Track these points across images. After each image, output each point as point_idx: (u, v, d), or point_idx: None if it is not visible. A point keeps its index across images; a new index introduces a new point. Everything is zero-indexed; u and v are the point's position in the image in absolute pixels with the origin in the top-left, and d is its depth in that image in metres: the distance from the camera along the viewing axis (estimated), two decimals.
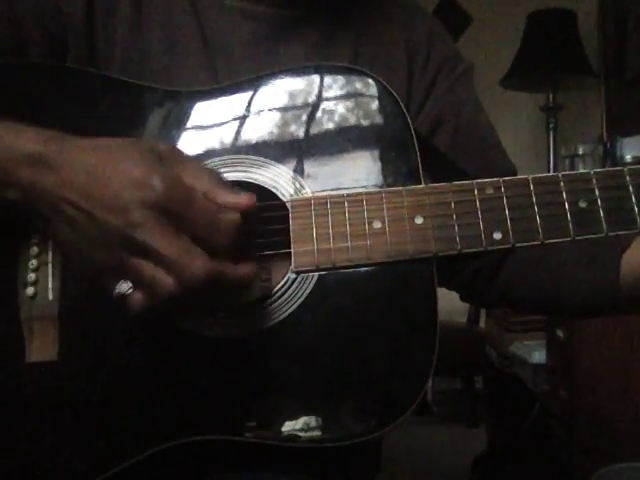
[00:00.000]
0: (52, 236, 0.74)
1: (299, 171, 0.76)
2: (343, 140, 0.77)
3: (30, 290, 0.74)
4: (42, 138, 0.68)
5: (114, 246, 0.65)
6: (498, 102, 3.21)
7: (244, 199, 0.68)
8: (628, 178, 0.71)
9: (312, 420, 0.71)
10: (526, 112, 3.57)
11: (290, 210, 0.73)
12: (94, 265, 0.68)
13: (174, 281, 0.64)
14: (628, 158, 2.50)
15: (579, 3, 3.31)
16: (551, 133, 3.20)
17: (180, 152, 0.71)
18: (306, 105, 0.78)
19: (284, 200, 0.74)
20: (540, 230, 0.70)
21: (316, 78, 0.79)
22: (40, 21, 0.83)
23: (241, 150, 0.77)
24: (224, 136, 0.78)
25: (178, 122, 0.79)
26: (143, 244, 0.63)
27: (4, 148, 0.68)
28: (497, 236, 0.71)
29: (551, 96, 3.20)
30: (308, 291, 0.72)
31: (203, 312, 0.72)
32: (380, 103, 0.78)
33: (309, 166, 0.76)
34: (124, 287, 0.66)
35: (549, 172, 3.10)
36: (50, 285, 0.74)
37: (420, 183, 0.74)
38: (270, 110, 0.78)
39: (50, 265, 0.75)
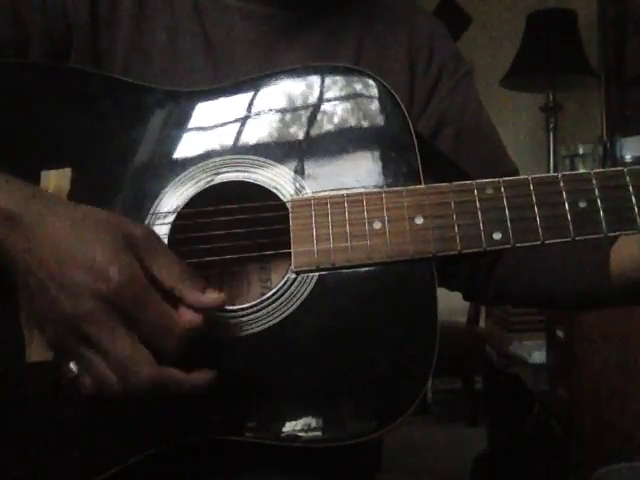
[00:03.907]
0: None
1: (299, 171, 0.76)
2: (344, 140, 0.77)
3: None
4: (22, 196, 0.66)
5: (63, 330, 0.63)
6: (498, 102, 3.21)
7: (210, 299, 0.66)
8: (628, 178, 0.71)
9: (312, 420, 0.70)
10: (526, 112, 3.57)
11: (290, 210, 0.73)
12: (47, 338, 0.66)
13: (118, 382, 0.62)
14: (628, 158, 2.51)
15: (579, 3, 3.31)
16: (551, 133, 3.21)
17: (157, 239, 0.68)
18: (307, 105, 0.78)
19: (284, 200, 0.74)
20: (540, 230, 0.70)
21: (317, 79, 0.79)
22: (44, 20, 0.83)
23: (242, 150, 0.77)
24: (225, 136, 0.78)
25: (179, 122, 0.79)
26: (90, 337, 0.62)
27: None
28: (497, 236, 0.71)
29: (551, 96, 3.20)
30: (308, 291, 0.72)
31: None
32: (381, 103, 0.78)
33: (310, 166, 0.76)
34: (72, 370, 0.65)
35: (549, 172, 3.11)
36: None
37: (420, 183, 0.74)
38: (271, 110, 0.78)
39: None
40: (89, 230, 0.64)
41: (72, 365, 0.65)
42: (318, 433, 0.70)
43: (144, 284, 0.63)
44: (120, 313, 0.62)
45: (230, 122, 0.79)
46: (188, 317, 0.64)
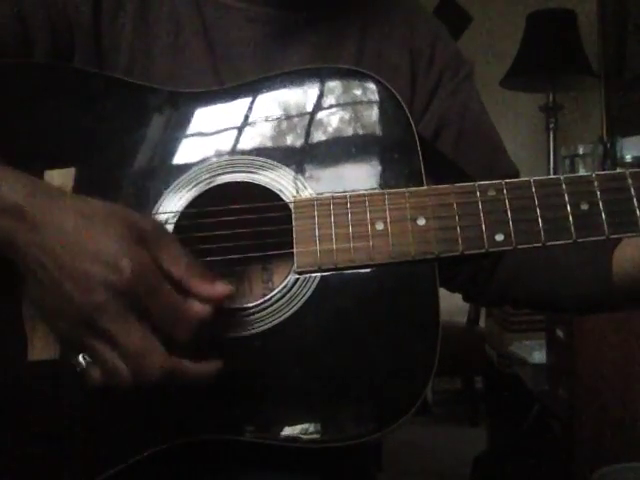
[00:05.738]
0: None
1: (302, 172, 0.76)
2: (346, 142, 0.77)
3: None
4: (26, 190, 0.66)
5: (75, 321, 0.64)
6: (498, 102, 3.22)
7: (218, 290, 0.66)
8: (629, 181, 0.71)
9: (312, 420, 0.71)
10: (526, 112, 3.57)
11: (293, 211, 0.74)
12: (56, 331, 0.67)
13: (129, 372, 0.63)
14: (628, 158, 2.51)
15: (579, 3, 3.32)
16: (551, 133, 3.21)
17: (163, 230, 0.69)
18: (309, 107, 0.78)
19: (287, 201, 0.75)
20: (542, 232, 0.70)
21: (319, 80, 0.79)
22: (47, 21, 0.83)
23: (245, 151, 0.78)
24: (227, 137, 0.78)
25: (182, 123, 0.79)
26: (102, 328, 0.62)
27: None
28: (499, 238, 0.71)
29: (551, 96, 3.21)
30: (310, 292, 0.72)
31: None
32: (383, 105, 0.78)
33: (312, 168, 0.76)
34: (82, 362, 0.65)
35: (549, 172, 3.11)
36: None
37: (422, 185, 0.74)
38: (273, 112, 0.78)
39: None
40: (98, 222, 0.65)
41: (80, 358, 0.65)
42: (318, 434, 0.70)
43: (155, 275, 0.64)
44: (132, 304, 0.63)
45: (233, 123, 0.79)
46: (197, 308, 0.65)
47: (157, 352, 0.63)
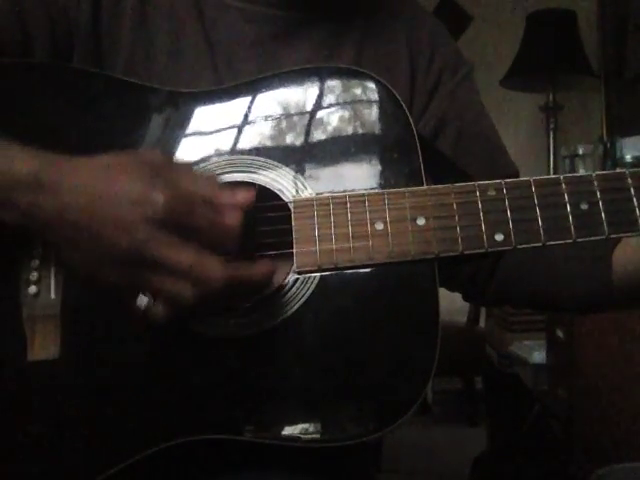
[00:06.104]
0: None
1: (302, 172, 0.76)
2: (346, 141, 0.77)
3: (32, 288, 0.74)
4: (38, 160, 0.67)
5: (126, 265, 0.65)
6: (498, 102, 3.22)
7: (242, 197, 0.68)
8: (629, 181, 0.71)
9: (312, 420, 0.71)
10: (526, 112, 3.57)
11: (293, 210, 0.74)
12: (108, 283, 0.67)
13: (193, 289, 0.64)
14: (628, 158, 2.50)
15: (579, 3, 3.32)
16: (551, 133, 3.21)
17: (173, 160, 0.71)
18: (309, 107, 0.79)
19: (286, 200, 0.75)
20: (542, 232, 0.71)
21: (319, 80, 0.79)
22: (46, 20, 0.83)
23: (245, 151, 0.78)
24: (227, 137, 0.78)
25: (182, 123, 0.79)
26: (155, 260, 0.64)
27: None
28: (499, 237, 0.71)
29: (551, 96, 3.21)
30: (310, 292, 0.72)
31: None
32: (382, 105, 0.78)
33: (312, 167, 0.76)
34: (144, 301, 0.66)
35: (549, 172, 3.11)
36: (53, 284, 0.75)
37: (422, 184, 0.74)
38: (273, 112, 0.79)
39: (53, 263, 0.75)
40: (113, 169, 0.66)
41: (140, 300, 0.66)
42: (318, 433, 0.70)
43: (185, 197, 0.66)
44: (173, 230, 0.64)
45: (233, 123, 0.79)
46: (231, 215, 0.67)
47: (214, 263, 0.65)
